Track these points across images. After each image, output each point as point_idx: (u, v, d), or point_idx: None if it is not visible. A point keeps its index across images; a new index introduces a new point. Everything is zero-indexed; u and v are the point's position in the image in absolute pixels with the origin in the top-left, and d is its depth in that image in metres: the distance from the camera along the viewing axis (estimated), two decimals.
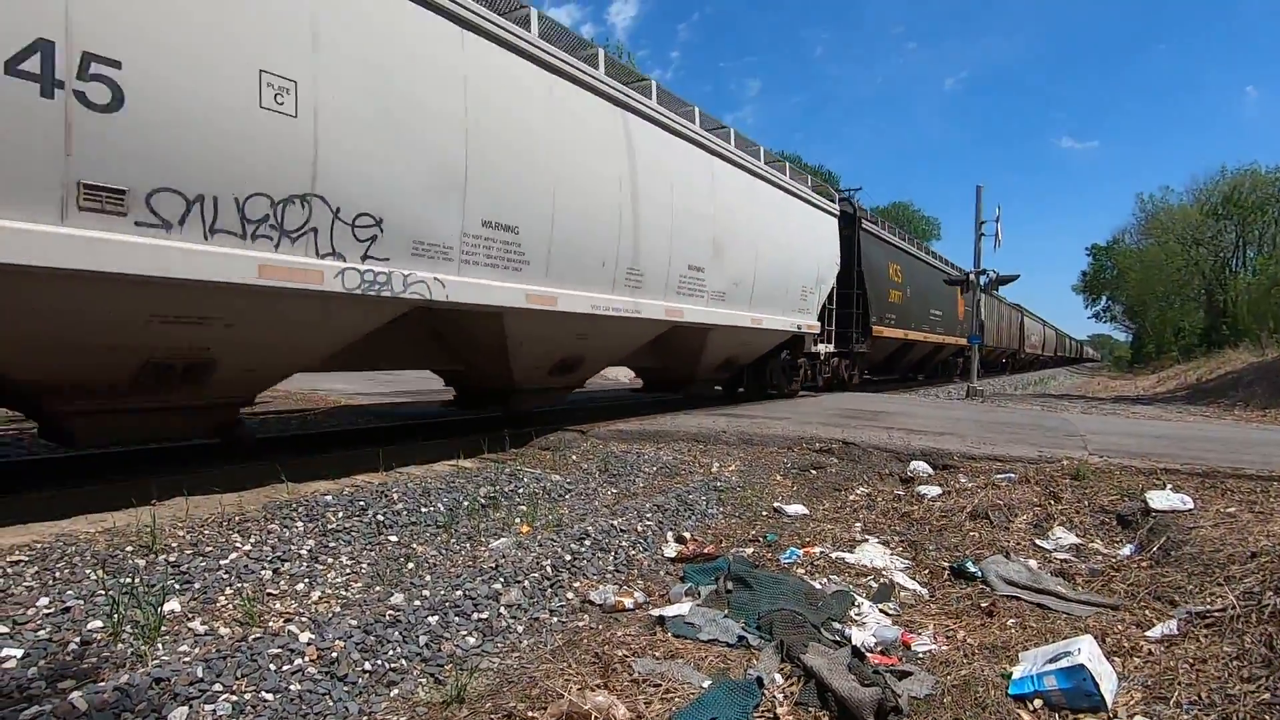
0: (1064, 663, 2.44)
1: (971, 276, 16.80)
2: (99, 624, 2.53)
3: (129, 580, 2.84)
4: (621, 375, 16.86)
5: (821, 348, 12.48)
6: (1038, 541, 4.16)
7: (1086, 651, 2.45)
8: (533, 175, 5.76)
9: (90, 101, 3.31)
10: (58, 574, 2.89)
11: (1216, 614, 2.80)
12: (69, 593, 2.72)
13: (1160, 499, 4.30)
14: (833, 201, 12.42)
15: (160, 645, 2.48)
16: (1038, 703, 2.40)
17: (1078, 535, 4.22)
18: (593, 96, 6.54)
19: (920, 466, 5.64)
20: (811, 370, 12.53)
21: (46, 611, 2.60)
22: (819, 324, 11.89)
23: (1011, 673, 2.58)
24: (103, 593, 2.73)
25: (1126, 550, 3.96)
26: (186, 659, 2.32)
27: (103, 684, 2.10)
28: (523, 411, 7.38)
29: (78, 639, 2.44)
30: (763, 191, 9.68)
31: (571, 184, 6.16)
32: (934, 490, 5.10)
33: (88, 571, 2.92)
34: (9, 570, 2.86)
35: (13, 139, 3.11)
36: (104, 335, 3.78)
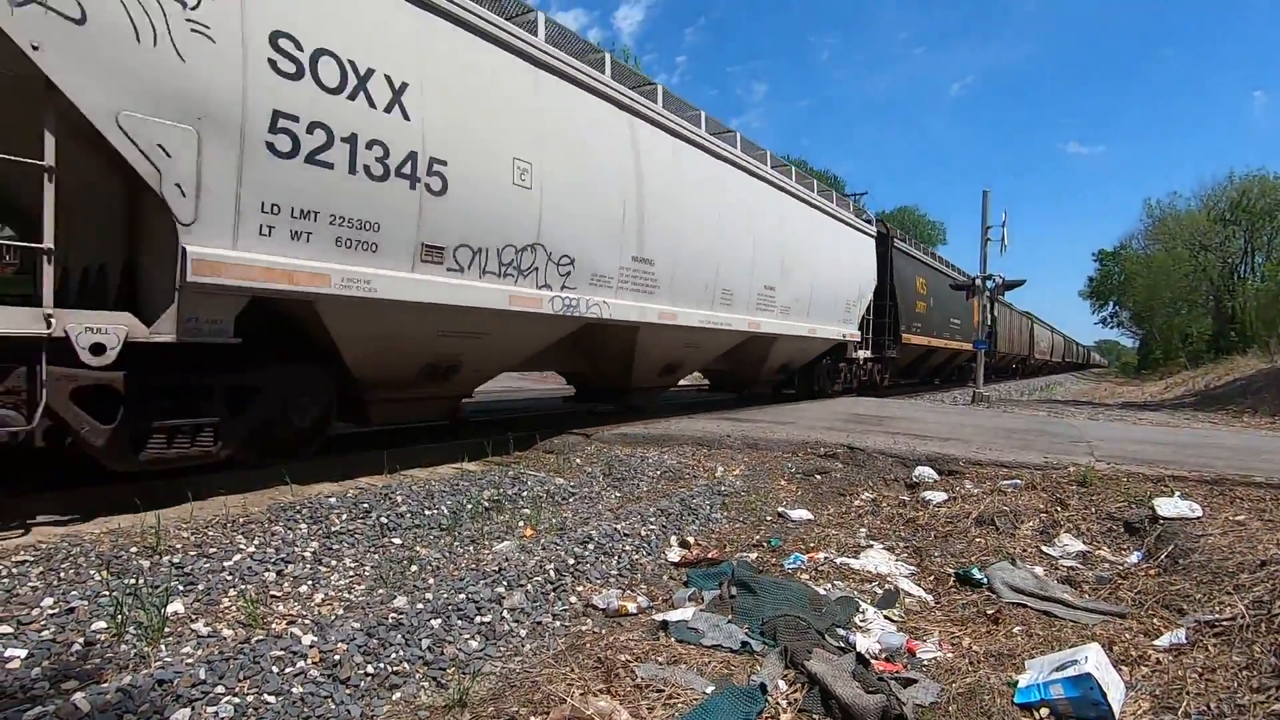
0: (1071, 671, 2.42)
1: (977, 281, 16.74)
2: (103, 625, 2.54)
3: (133, 581, 2.85)
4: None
5: (860, 353, 14.03)
6: (1044, 548, 4.13)
7: (1093, 660, 2.43)
8: (662, 219, 7.46)
9: (431, 190, 4.94)
10: (62, 574, 2.90)
11: (1225, 623, 2.77)
12: (73, 593, 2.73)
13: (1168, 506, 4.27)
14: (870, 224, 14.02)
15: (163, 646, 2.49)
16: (1044, 711, 2.38)
17: (1084, 542, 4.19)
18: (699, 151, 8.22)
19: (925, 472, 5.62)
20: (850, 374, 14.04)
21: (51, 612, 2.60)
22: (859, 332, 13.44)
23: (1017, 681, 2.56)
24: (107, 593, 2.74)
25: (1134, 558, 3.93)
26: (189, 660, 2.32)
27: (105, 685, 2.10)
28: (634, 405, 8.83)
29: (81, 639, 2.44)
30: (819, 220, 11.49)
31: (686, 223, 7.89)
32: (939, 496, 5.08)
33: (92, 572, 2.93)
34: (14, 570, 2.87)
35: (395, 219, 4.74)
36: (413, 346, 5.43)
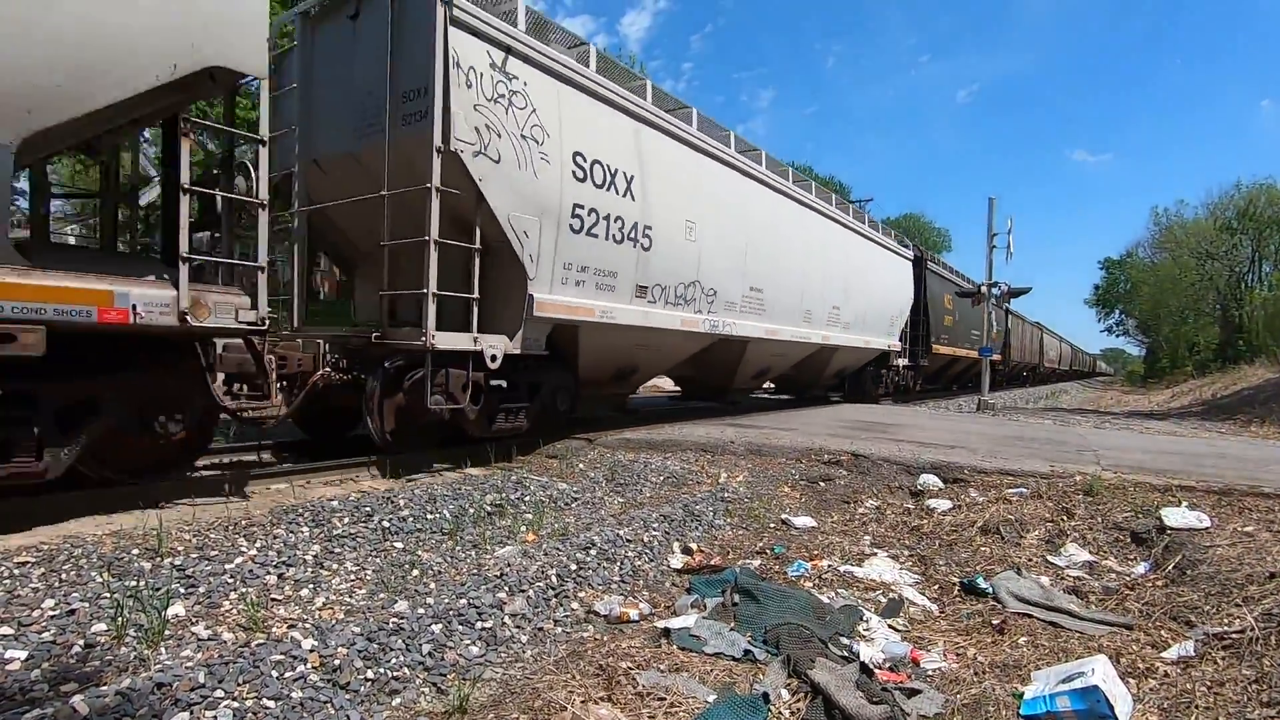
0: (1078, 683, 2.39)
1: (983, 289, 16.70)
2: (103, 627, 2.53)
3: (134, 583, 2.84)
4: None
5: (900, 361, 15.97)
6: (1050, 558, 4.10)
7: (1101, 672, 2.40)
8: (766, 256, 9.72)
9: (643, 247, 7.27)
10: (64, 576, 2.90)
11: (1235, 635, 2.73)
12: (74, 595, 2.73)
13: (1176, 516, 4.23)
14: (908, 249, 16.27)
15: (163, 649, 2.48)
16: None
17: (1091, 552, 4.15)
18: (790, 201, 10.54)
19: (930, 480, 5.58)
20: (890, 380, 15.93)
21: (52, 613, 2.60)
22: (899, 343, 15.49)
23: (1023, 693, 2.53)
24: (108, 596, 2.73)
25: (1141, 568, 3.89)
26: (189, 664, 2.31)
27: (104, 688, 2.09)
28: (733, 401, 11.27)
29: (81, 642, 2.44)
30: (871, 249, 13.84)
31: (781, 258, 10.22)
32: (944, 504, 5.04)
33: (93, 574, 2.93)
34: (16, 572, 2.87)
35: (625, 268, 7.08)
36: (616, 355, 7.71)
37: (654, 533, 4.22)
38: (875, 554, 4.19)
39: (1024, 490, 5.12)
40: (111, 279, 3.52)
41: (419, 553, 3.71)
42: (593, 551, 3.76)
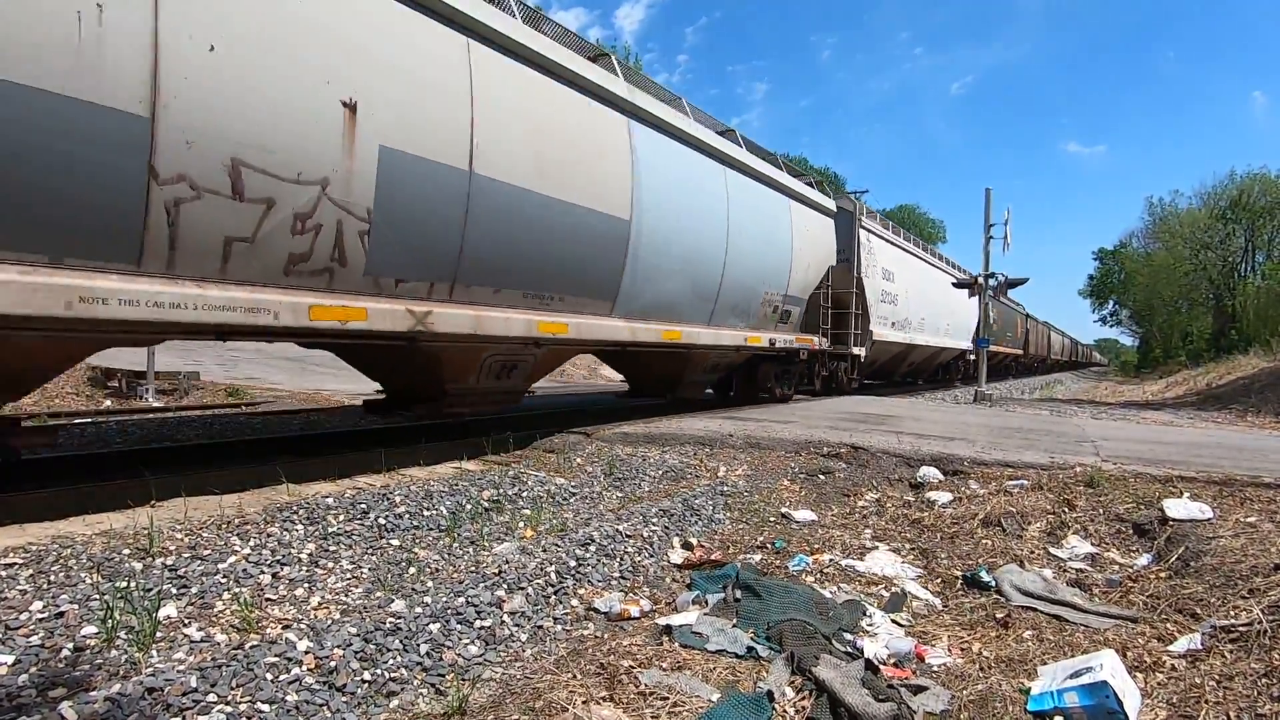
0: (1086, 679, 2.35)
1: (980, 280, 16.68)
2: (93, 629, 2.48)
3: (125, 584, 2.79)
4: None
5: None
6: (1052, 550, 4.07)
7: (1109, 667, 2.37)
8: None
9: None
10: (53, 577, 2.84)
11: (1242, 628, 2.71)
12: (63, 597, 2.67)
13: (1178, 508, 4.21)
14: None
15: (155, 652, 2.43)
16: (1058, 719, 2.32)
17: (1093, 544, 4.13)
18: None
19: (930, 472, 5.56)
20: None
21: (40, 616, 2.54)
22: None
23: (1030, 688, 2.49)
24: (98, 597, 2.67)
25: (1144, 560, 3.87)
26: (181, 667, 2.26)
27: (94, 693, 2.04)
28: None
29: (71, 645, 2.38)
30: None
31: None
32: (944, 496, 5.02)
33: (83, 575, 2.87)
34: (3, 573, 2.80)
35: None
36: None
37: (653, 528, 4.18)
38: (876, 548, 4.16)
39: (1024, 482, 5.10)
40: None
41: (416, 550, 3.66)
42: (592, 548, 3.72)
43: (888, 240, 15.95)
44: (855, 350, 13.39)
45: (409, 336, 5.04)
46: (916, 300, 17.12)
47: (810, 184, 12.16)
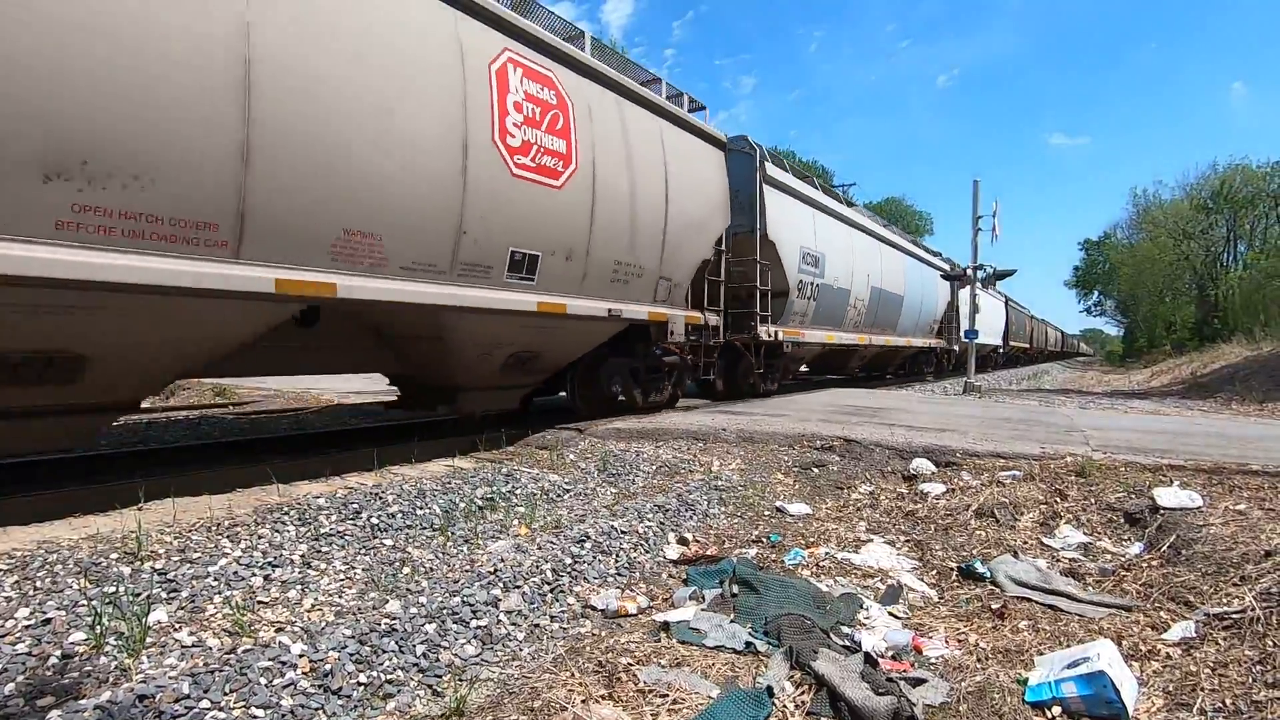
0: (1083, 669, 2.36)
1: (969, 271, 16.77)
2: (81, 636, 2.43)
3: (113, 589, 2.74)
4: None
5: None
6: (1045, 540, 4.09)
7: (1107, 657, 2.38)
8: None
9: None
10: (39, 583, 2.78)
11: (1235, 616, 2.73)
12: (50, 603, 2.61)
13: (1168, 496, 4.24)
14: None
15: (145, 658, 2.38)
16: (1056, 710, 2.33)
17: (1085, 533, 4.15)
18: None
19: (923, 464, 5.57)
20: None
21: (26, 623, 2.49)
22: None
23: (1027, 679, 2.50)
24: (85, 603, 2.62)
25: (1136, 549, 3.89)
26: (172, 673, 2.22)
27: (83, 702, 2.00)
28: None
29: (59, 652, 2.33)
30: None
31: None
32: (938, 488, 5.03)
33: (70, 580, 2.81)
34: None
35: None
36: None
37: (649, 523, 4.17)
38: (871, 540, 4.17)
39: (1016, 473, 5.13)
40: None
41: (409, 550, 3.63)
42: (587, 544, 3.70)
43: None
44: (764, 334, 10.15)
45: None
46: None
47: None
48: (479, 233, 5.59)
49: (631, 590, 3.39)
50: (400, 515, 3.97)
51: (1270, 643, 2.49)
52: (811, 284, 11.82)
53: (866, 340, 14.76)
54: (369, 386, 11.96)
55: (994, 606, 3.19)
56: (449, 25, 5.39)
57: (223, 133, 3.97)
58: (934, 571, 3.72)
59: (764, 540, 4.14)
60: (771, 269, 10.48)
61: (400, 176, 4.95)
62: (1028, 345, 43.42)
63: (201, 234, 3.99)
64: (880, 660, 2.63)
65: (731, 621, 2.93)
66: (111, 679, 2.23)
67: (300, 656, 2.36)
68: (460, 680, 2.46)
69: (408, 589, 3.07)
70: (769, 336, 10.40)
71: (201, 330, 4.34)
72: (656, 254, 7.74)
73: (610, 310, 7.15)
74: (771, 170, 10.67)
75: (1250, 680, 2.32)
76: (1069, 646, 2.70)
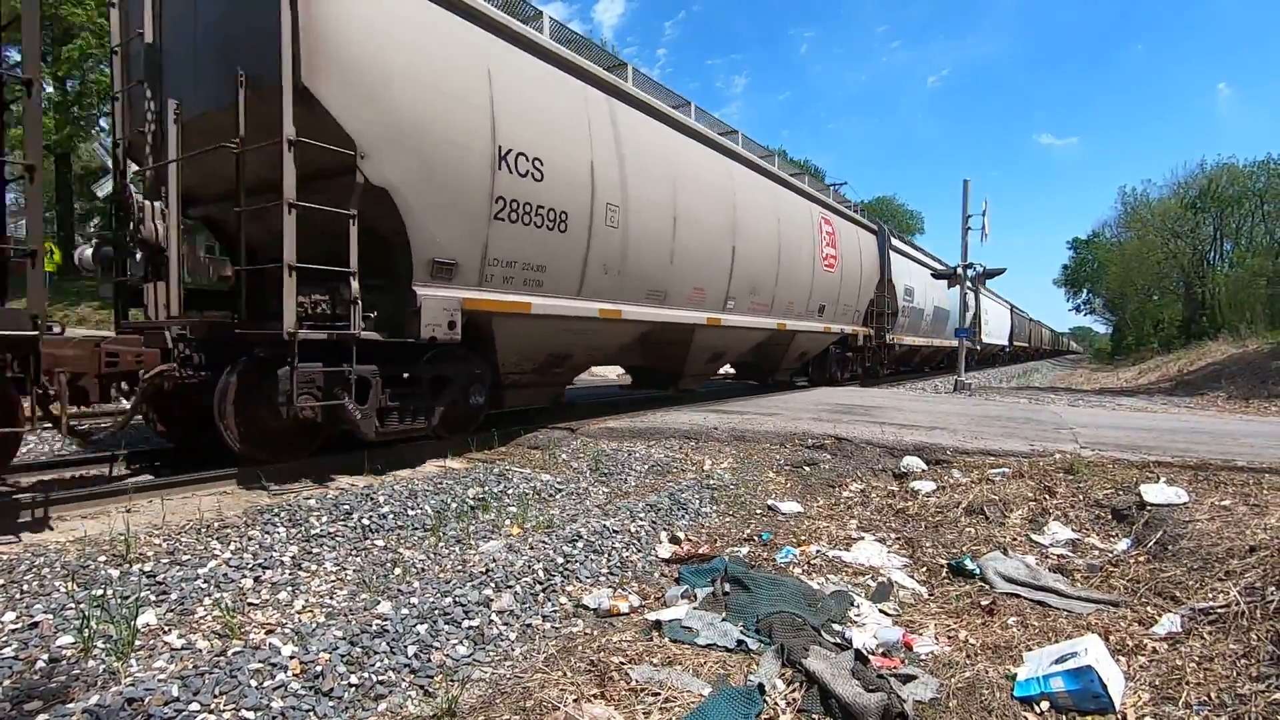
0: (1071, 664, 2.38)
1: (959, 270, 16.85)
2: (69, 639, 2.41)
3: (101, 592, 2.72)
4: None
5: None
6: (1034, 537, 4.13)
7: (1094, 652, 2.41)
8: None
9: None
10: (25, 587, 2.76)
11: (1220, 610, 2.76)
12: (37, 606, 2.60)
13: (1155, 493, 4.28)
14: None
15: (134, 661, 2.37)
16: (1044, 705, 2.35)
17: (1073, 530, 4.19)
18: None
19: (913, 462, 5.61)
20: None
21: (13, 627, 2.48)
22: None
23: (1016, 674, 2.52)
24: (73, 606, 2.61)
25: (1123, 545, 3.93)
26: (161, 676, 2.21)
27: (71, 705, 1.99)
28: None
29: (46, 656, 2.32)
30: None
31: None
32: (928, 486, 5.06)
33: (57, 584, 2.80)
34: None
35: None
36: None
37: (641, 523, 4.17)
38: (862, 538, 4.19)
39: (1006, 470, 5.16)
40: None
41: (401, 550, 3.62)
42: (579, 544, 3.70)
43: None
44: (889, 339, 16.82)
45: None
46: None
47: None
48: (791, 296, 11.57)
49: (624, 589, 3.40)
50: (391, 516, 3.96)
51: (1255, 636, 2.52)
52: (907, 307, 18.07)
53: (927, 341, 21.01)
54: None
55: (983, 603, 3.21)
56: (806, 209, 12.16)
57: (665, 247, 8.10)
58: (924, 569, 3.75)
59: (756, 539, 4.15)
60: (889, 299, 16.48)
61: (743, 267, 9.82)
62: (1027, 344, 49.23)
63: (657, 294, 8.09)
64: (871, 657, 2.64)
65: (723, 620, 2.94)
66: (100, 682, 2.22)
67: (291, 658, 2.35)
68: (452, 680, 2.46)
69: (399, 590, 3.06)
70: (890, 340, 16.70)
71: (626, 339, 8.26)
72: (854, 299, 14.38)
73: (828, 329, 13.20)
74: (893, 240, 17.18)
75: (1235, 674, 2.35)
76: (1057, 642, 2.72)
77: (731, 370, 13.63)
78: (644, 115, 7.78)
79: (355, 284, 4.72)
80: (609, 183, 6.91)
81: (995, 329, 32.48)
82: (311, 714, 2.15)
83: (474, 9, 5.61)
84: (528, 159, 5.94)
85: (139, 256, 5.19)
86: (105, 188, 6.00)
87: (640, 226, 7.40)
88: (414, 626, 2.69)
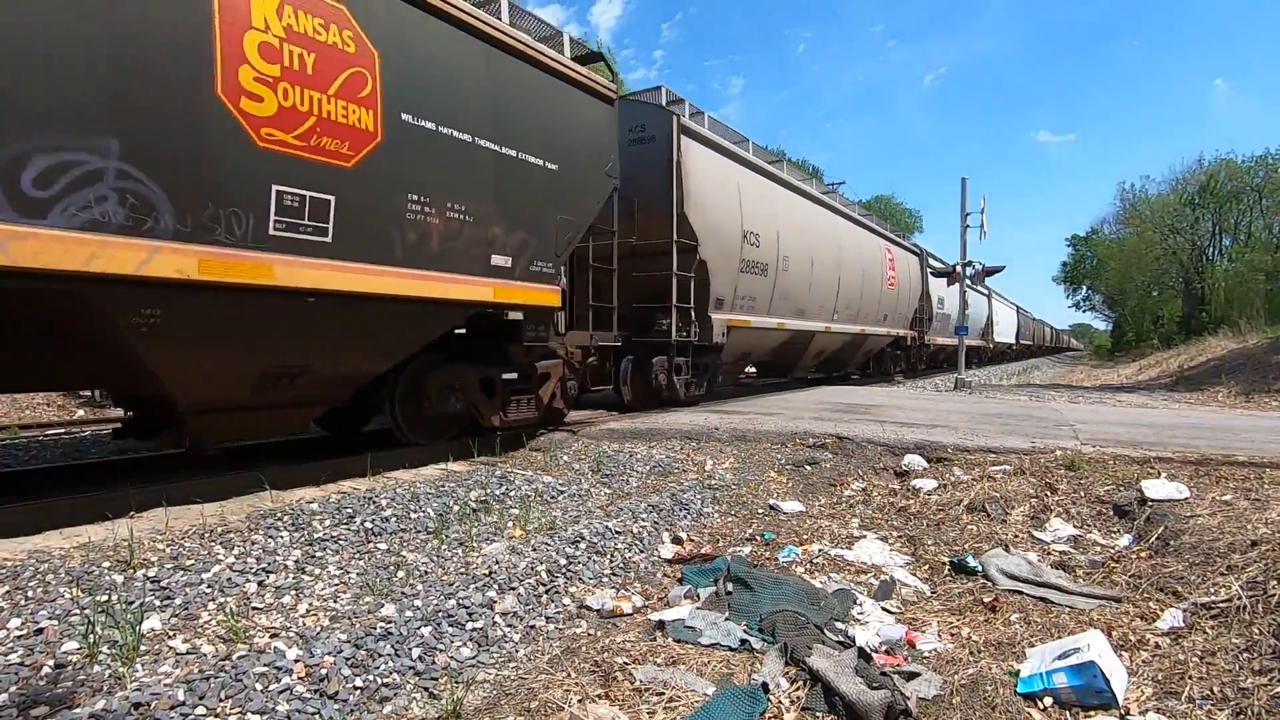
0: (1074, 659, 2.39)
1: (958, 268, 16.87)
2: (74, 645, 2.42)
3: (106, 598, 2.73)
4: None
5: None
6: (1035, 533, 4.13)
7: (1096, 647, 2.41)
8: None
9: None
10: (30, 593, 2.77)
11: (1222, 605, 2.77)
12: (42, 613, 2.60)
13: (1156, 488, 4.29)
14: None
15: (139, 666, 2.37)
16: (1048, 700, 2.36)
17: (1075, 526, 4.20)
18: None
19: (914, 460, 5.61)
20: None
21: (19, 633, 2.48)
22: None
23: (1019, 670, 2.53)
24: (78, 612, 2.61)
25: (1125, 541, 3.93)
26: (167, 680, 2.22)
27: (77, 711, 1.99)
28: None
29: (51, 662, 2.32)
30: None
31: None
32: (929, 484, 5.07)
33: (62, 590, 2.80)
34: None
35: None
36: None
37: (643, 523, 4.18)
38: (864, 536, 4.19)
39: (1007, 467, 5.17)
40: None
41: (404, 553, 3.63)
42: (582, 545, 3.71)
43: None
44: (925, 339, 20.99)
45: None
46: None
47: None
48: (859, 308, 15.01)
49: (626, 590, 3.41)
50: (394, 519, 3.97)
51: (1257, 630, 2.53)
52: (938, 314, 21.48)
53: (954, 342, 22.41)
54: None
55: (986, 600, 3.22)
56: (878, 244, 16.27)
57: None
58: (926, 566, 3.75)
59: (758, 538, 4.16)
60: (927, 307, 20.00)
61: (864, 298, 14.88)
62: (1031, 343, 53.34)
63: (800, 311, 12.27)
64: (874, 655, 2.65)
65: (726, 619, 2.95)
66: (105, 687, 2.23)
67: (296, 662, 2.36)
68: (456, 682, 2.47)
69: (403, 592, 3.07)
70: (927, 340, 20.51)
71: (780, 340, 12.14)
72: (908, 308, 18.28)
73: (889, 333, 16.95)
74: (931, 262, 20.31)
75: (1237, 668, 2.36)
76: (1060, 638, 2.73)
77: (804, 367, 15.93)
78: (791, 193, 11.84)
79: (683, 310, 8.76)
80: (782, 242, 10.97)
81: (1005, 329, 37.04)
82: (317, 717, 2.16)
83: (732, 153, 10.08)
84: (754, 234, 10.03)
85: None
86: None
87: (794, 269, 11.39)
88: (418, 629, 2.69)
